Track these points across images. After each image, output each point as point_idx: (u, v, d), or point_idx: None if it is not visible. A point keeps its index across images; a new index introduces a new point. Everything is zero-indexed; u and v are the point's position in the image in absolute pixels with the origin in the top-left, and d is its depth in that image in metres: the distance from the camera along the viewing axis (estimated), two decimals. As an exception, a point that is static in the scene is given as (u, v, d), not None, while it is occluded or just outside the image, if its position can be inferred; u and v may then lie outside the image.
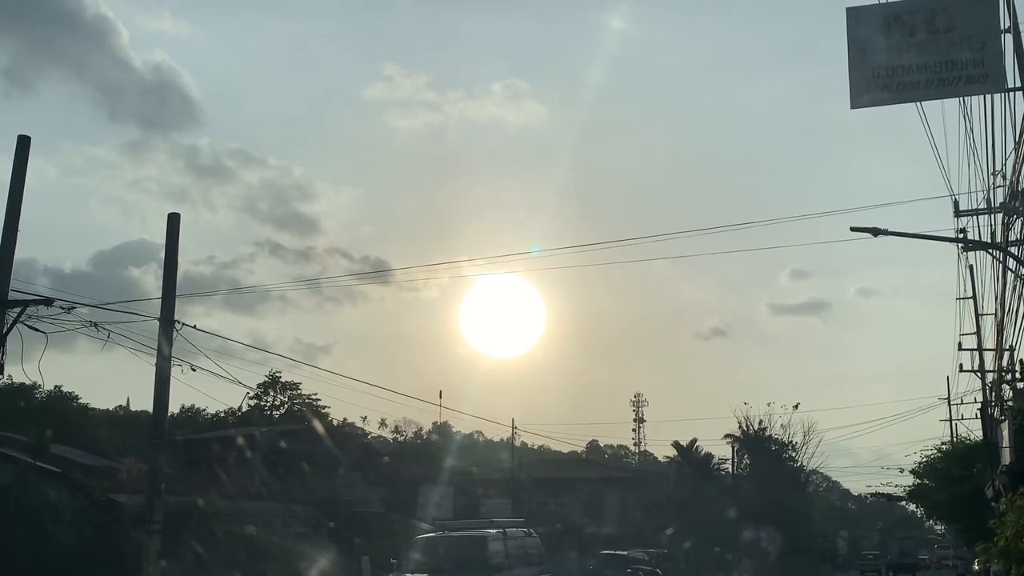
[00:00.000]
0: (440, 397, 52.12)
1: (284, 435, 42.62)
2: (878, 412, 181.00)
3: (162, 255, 22.61)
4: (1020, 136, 17.20)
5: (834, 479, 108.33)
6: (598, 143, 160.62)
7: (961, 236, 24.27)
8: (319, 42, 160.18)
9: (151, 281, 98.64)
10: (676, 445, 72.87)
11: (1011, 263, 21.76)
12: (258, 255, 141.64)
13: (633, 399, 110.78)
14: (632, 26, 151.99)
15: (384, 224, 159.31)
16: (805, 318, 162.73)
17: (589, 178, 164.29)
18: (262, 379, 62.95)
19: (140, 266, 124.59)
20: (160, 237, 22.48)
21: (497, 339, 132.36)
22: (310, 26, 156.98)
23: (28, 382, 39.98)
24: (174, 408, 42.26)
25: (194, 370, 22.50)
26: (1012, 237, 20.70)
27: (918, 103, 17.25)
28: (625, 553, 45.43)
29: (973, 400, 41.84)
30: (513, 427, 57.54)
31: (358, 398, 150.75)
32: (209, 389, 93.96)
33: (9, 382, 38.13)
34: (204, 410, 62.82)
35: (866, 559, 76.87)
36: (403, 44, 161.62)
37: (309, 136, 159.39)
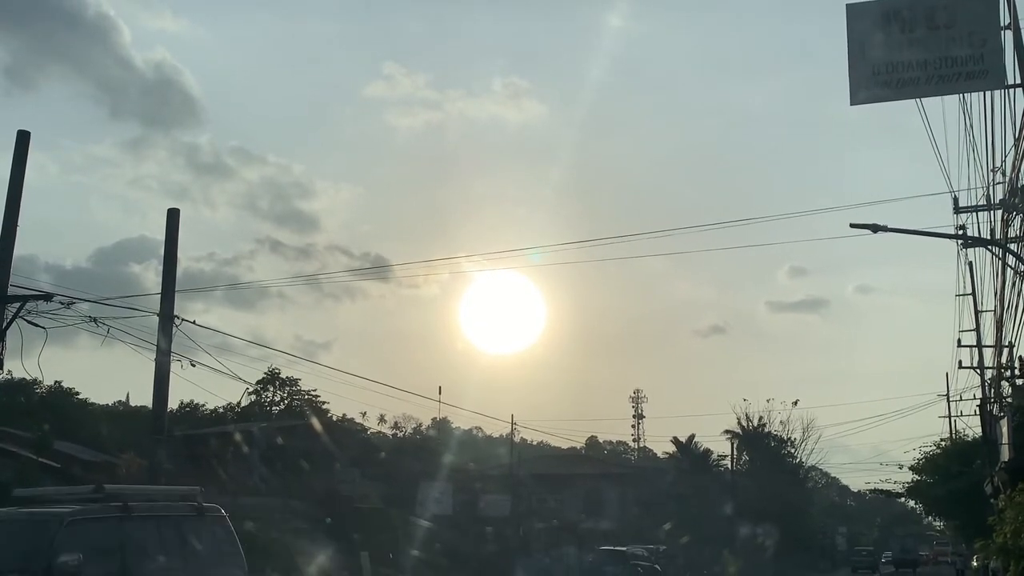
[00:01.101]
0: (439, 393, 52.21)
1: (283, 431, 42.67)
2: (877, 409, 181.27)
3: (162, 252, 22.66)
4: (1020, 133, 17.20)
5: (833, 475, 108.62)
6: (598, 141, 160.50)
7: (960, 233, 24.28)
8: (319, 41, 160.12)
9: (151, 278, 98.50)
10: (675, 441, 73.07)
11: (1010, 259, 21.78)
12: (258, 252, 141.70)
13: (632, 395, 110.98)
14: (631, 24, 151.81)
15: (384, 222, 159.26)
16: (804, 315, 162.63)
17: (589, 176, 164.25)
18: (261, 375, 63.09)
19: (141, 263, 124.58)
20: (160, 234, 22.54)
21: (497, 336, 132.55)
22: (310, 25, 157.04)
23: (29, 378, 40.04)
24: (173, 404, 42.27)
25: (193, 366, 22.50)
26: (1011, 233, 20.72)
27: (918, 100, 17.28)
28: (624, 549, 45.49)
29: (972, 397, 41.90)
30: (512, 423, 57.60)
31: (357, 394, 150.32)
32: (208, 385, 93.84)
33: (9, 377, 38.19)
34: (203, 406, 62.86)
35: (859, 555, 75.34)
36: (403, 43, 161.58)
37: (309, 134, 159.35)
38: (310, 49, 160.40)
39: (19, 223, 19.12)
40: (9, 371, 33.26)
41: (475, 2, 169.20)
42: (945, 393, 51.87)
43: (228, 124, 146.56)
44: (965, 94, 18.13)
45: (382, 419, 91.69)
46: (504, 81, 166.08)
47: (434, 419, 77.64)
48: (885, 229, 18.83)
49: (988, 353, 34.51)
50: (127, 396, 67.20)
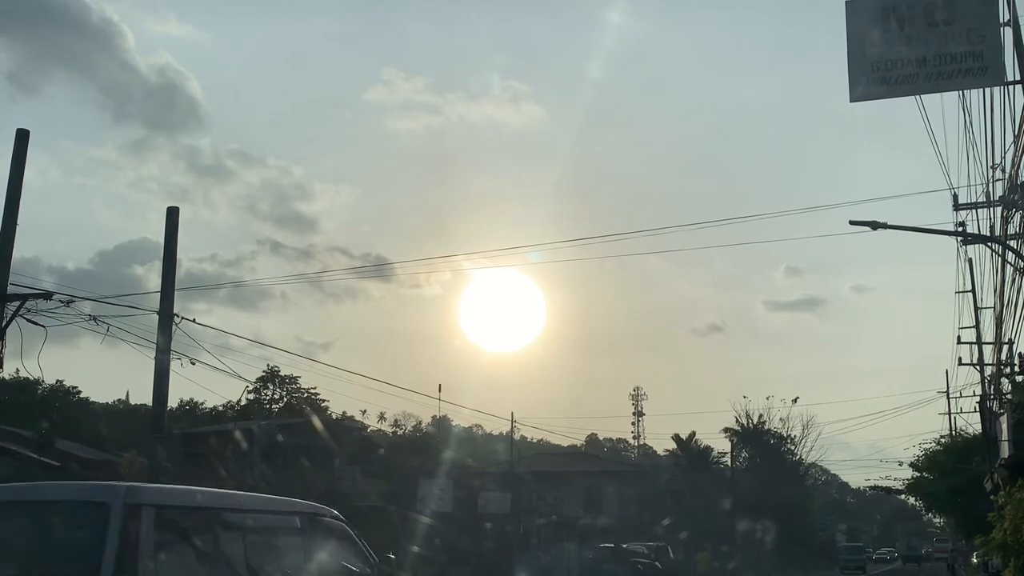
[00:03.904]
0: (439, 391, 52.23)
1: (282, 429, 42.63)
2: (875, 407, 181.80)
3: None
4: (1019, 129, 17.19)
5: (833, 472, 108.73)
6: (596, 141, 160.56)
7: (960, 229, 24.28)
8: (319, 46, 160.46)
9: (154, 279, 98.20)
10: (676, 438, 73.06)
11: (1010, 256, 21.79)
12: (259, 253, 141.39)
13: (632, 393, 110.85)
14: (629, 23, 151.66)
15: (384, 224, 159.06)
16: (801, 314, 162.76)
17: (588, 176, 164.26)
18: (261, 373, 63.13)
19: (143, 264, 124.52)
20: (162, 236, 22.52)
21: (497, 334, 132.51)
22: (310, 29, 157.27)
23: (32, 377, 40.08)
24: (173, 402, 42.22)
25: (193, 364, 22.55)
26: (1011, 230, 20.72)
27: (917, 97, 17.26)
28: (624, 546, 45.49)
29: (972, 393, 41.88)
30: (512, 421, 57.61)
31: (357, 392, 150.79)
32: (208, 383, 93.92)
33: (15, 376, 38.22)
34: (203, 404, 62.86)
35: (848, 553, 70.00)
36: (401, 47, 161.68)
37: (309, 137, 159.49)
38: (310, 54, 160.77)
39: (21, 224, 19.15)
40: (16, 370, 33.34)
41: (472, 5, 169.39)
42: (945, 390, 51.96)
43: (229, 127, 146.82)
44: (964, 91, 18.13)
45: (382, 417, 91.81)
46: (503, 84, 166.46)
47: (434, 417, 77.72)
48: (884, 226, 18.80)
49: (988, 350, 34.53)
50: (127, 394, 67.19)
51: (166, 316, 21.12)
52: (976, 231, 24.17)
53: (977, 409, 36.23)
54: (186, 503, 7.61)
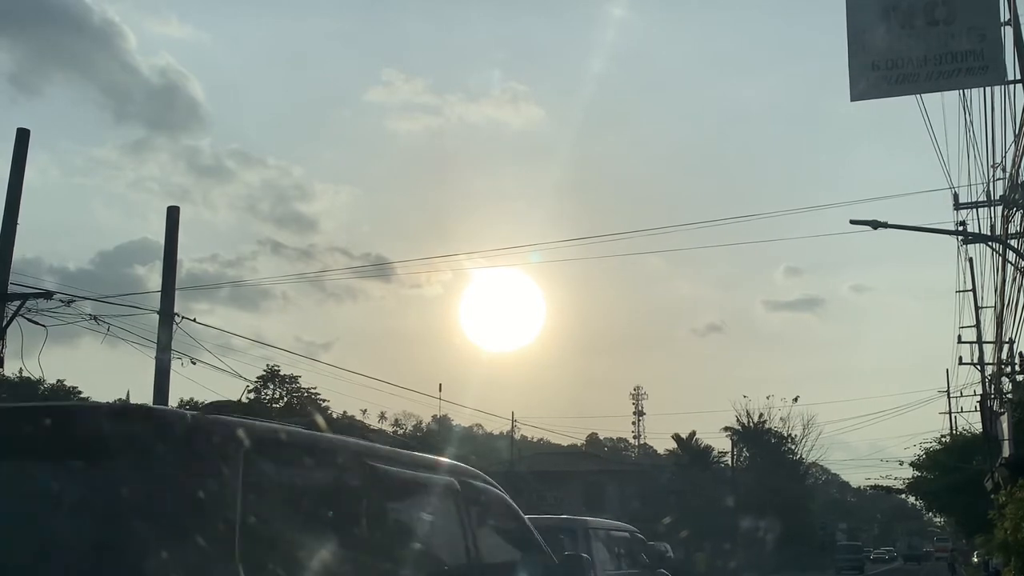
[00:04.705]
0: (440, 390, 52.15)
1: (283, 428, 42.58)
2: (875, 406, 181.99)
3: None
4: (1020, 128, 17.19)
5: (833, 472, 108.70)
6: (596, 141, 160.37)
7: (961, 229, 24.28)
8: (319, 47, 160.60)
9: (154, 279, 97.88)
10: (676, 437, 73.07)
11: (1010, 255, 21.79)
12: (260, 253, 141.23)
13: (633, 392, 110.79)
14: (628, 22, 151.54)
15: (383, 224, 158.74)
16: (800, 314, 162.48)
17: (588, 176, 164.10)
18: (261, 373, 63.14)
19: (144, 264, 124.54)
20: (162, 236, 22.50)
21: (497, 333, 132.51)
22: (310, 30, 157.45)
23: (33, 377, 39.97)
24: (173, 401, 42.09)
25: (194, 363, 22.56)
26: (1012, 230, 20.72)
27: (918, 96, 17.27)
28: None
29: (973, 393, 41.89)
30: (513, 420, 57.61)
31: (358, 391, 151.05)
32: (209, 383, 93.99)
33: (17, 375, 38.15)
34: (203, 403, 62.80)
35: (846, 553, 67.15)
36: (401, 48, 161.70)
37: (309, 138, 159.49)
38: (310, 54, 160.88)
39: (21, 224, 19.14)
40: (20, 369, 33.32)
41: (472, 5, 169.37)
42: (946, 389, 52.00)
43: (229, 127, 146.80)
44: (965, 90, 18.13)
45: (382, 416, 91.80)
46: (502, 85, 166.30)
47: (435, 416, 77.74)
48: (885, 225, 18.81)
49: (988, 349, 34.54)
50: (127, 394, 67.00)
51: (166, 315, 21.12)
52: (977, 230, 24.19)
53: (978, 408, 36.24)
54: (592, 527, 15.76)
